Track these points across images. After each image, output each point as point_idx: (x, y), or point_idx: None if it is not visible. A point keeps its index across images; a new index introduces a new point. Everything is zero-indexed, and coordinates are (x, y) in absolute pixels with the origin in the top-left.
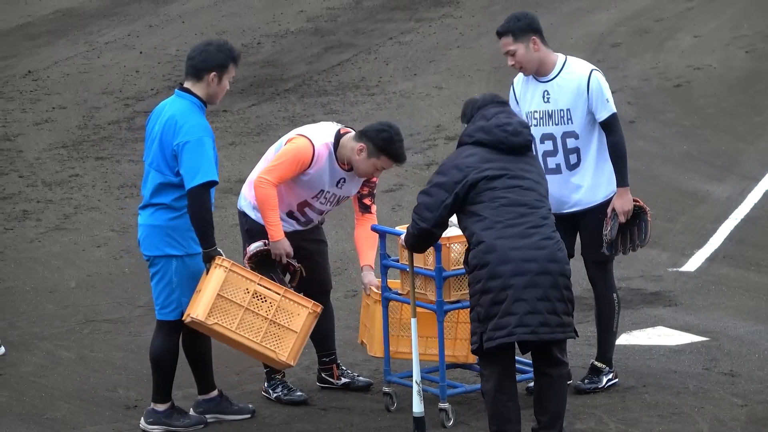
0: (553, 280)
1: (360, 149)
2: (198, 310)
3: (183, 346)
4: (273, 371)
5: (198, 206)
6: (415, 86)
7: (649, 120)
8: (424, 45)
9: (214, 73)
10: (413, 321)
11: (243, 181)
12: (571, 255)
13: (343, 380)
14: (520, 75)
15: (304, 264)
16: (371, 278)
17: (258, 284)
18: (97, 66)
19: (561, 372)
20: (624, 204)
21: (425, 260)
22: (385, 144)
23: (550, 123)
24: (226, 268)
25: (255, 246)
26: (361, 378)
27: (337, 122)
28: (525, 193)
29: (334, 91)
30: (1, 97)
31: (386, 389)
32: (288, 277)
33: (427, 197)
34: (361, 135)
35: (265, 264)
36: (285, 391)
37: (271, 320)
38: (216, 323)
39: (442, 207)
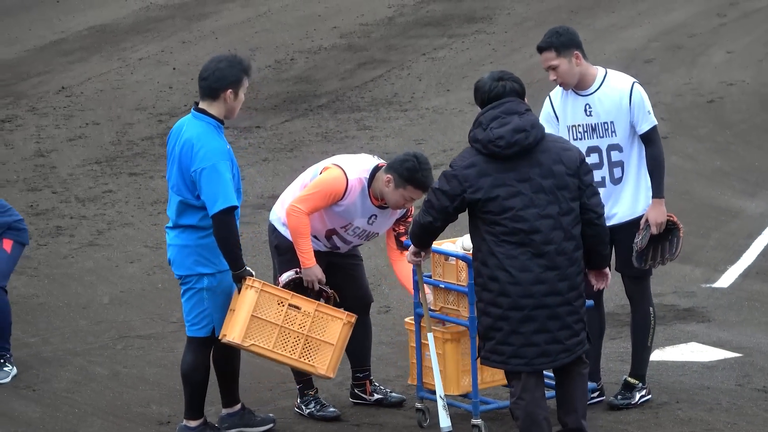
0: (551, 312)
1: (388, 181)
2: (234, 332)
3: (213, 361)
4: (306, 387)
5: (223, 231)
6: (448, 102)
7: (683, 136)
8: (457, 61)
9: (230, 90)
10: (430, 336)
11: (276, 197)
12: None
13: (376, 396)
14: (558, 89)
15: (339, 277)
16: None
17: (290, 301)
18: (131, 82)
19: (581, 371)
20: (658, 216)
21: (458, 276)
22: (410, 173)
23: (594, 136)
24: (258, 289)
25: (287, 275)
26: (394, 394)
27: (376, 156)
28: (521, 216)
29: (367, 107)
30: (35, 113)
31: (418, 405)
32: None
33: (434, 198)
34: (389, 167)
35: (298, 291)
36: (317, 407)
37: (306, 335)
38: (253, 344)
39: (444, 212)
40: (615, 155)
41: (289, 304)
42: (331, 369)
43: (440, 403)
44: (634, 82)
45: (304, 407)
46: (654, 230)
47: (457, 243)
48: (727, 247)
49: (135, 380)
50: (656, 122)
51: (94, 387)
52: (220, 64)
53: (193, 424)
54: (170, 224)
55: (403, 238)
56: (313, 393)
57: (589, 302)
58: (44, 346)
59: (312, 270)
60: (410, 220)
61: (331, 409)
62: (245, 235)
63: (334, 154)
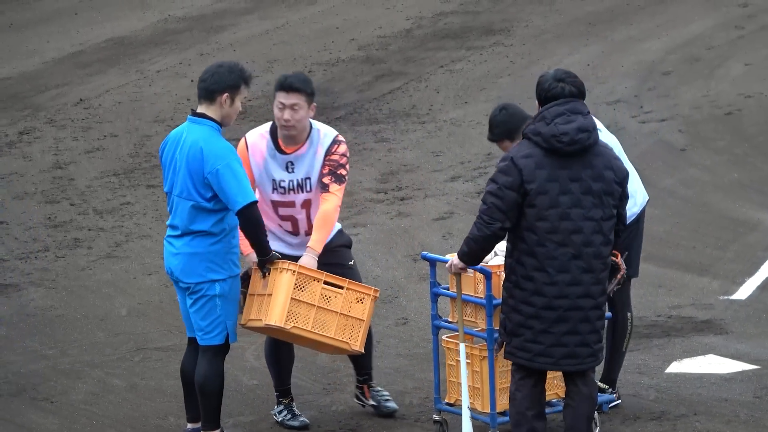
0: (584, 315)
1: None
2: (275, 316)
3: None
4: (282, 396)
5: (251, 224)
6: (466, 114)
7: (700, 148)
8: (475, 73)
9: (226, 94)
10: (462, 346)
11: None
12: None
13: (371, 402)
14: None
15: None
16: (306, 260)
17: (325, 280)
18: (149, 94)
19: (592, 390)
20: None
21: (475, 288)
22: (275, 83)
23: None
24: (294, 271)
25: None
26: (389, 404)
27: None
28: (567, 214)
29: (385, 119)
30: (53, 125)
31: (436, 417)
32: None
33: (497, 199)
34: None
35: (247, 282)
36: (289, 416)
37: (341, 313)
38: (294, 326)
39: (513, 207)
40: None
41: (325, 282)
42: (361, 344)
43: (466, 414)
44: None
45: (277, 414)
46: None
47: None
48: (745, 259)
49: (153, 392)
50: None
51: (111, 399)
52: (220, 68)
53: None
54: (177, 232)
55: (325, 179)
56: (287, 402)
57: (608, 314)
58: (62, 357)
59: (250, 257)
60: (334, 158)
61: (301, 419)
62: None
63: (352, 167)
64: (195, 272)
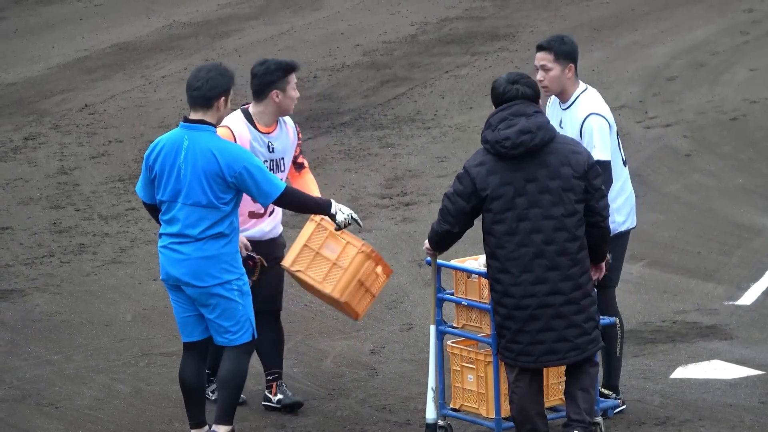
0: (555, 312)
1: (276, 95)
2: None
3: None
4: (274, 379)
5: (295, 203)
6: (471, 120)
7: (705, 153)
8: (480, 78)
9: (222, 98)
10: (432, 328)
11: (296, 213)
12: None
13: (279, 396)
14: (555, 98)
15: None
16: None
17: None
18: (154, 99)
19: (588, 369)
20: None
21: (480, 294)
22: (279, 72)
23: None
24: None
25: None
26: (294, 397)
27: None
28: (526, 215)
29: (390, 125)
30: (58, 131)
31: (441, 422)
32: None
33: (449, 204)
34: (257, 90)
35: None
36: (285, 396)
37: (333, 263)
38: (299, 270)
39: (462, 214)
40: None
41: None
42: (338, 291)
43: (430, 395)
44: (590, 114)
45: (272, 397)
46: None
47: (480, 260)
48: (750, 265)
49: (158, 398)
50: (603, 157)
51: (116, 404)
52: (210, 73)
53: (223, 429)
54: (185, 239)
55: (299, 160)
56: (277, 384)
57: (612, 319)
58: (67, 363)
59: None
60: (299, 143)
61: (296, 398)
62: None
63: (357, 172)
64: (210, 275)
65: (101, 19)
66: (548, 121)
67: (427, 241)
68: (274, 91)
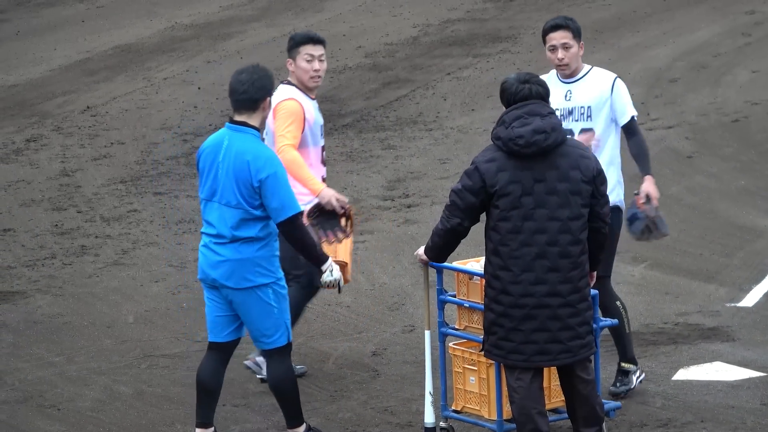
0: (552, 313)
1: (289, 65)
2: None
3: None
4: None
5: (296, 235)
6: (473, 121)
7: (707, 155)
8: (482, 80)
9: (268, 98)
10: (427, 333)
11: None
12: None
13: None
14: (551, 75)
15: None
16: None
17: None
18: (156, 101)
19: (586, 388)
20: (656, 190)
21: (482, 296)
22: (293, 40)
23: (570, 119)
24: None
25: (308, 207)
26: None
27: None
28: (531, 215)
29: (392, 127)
30: (60, 132)
31: (443, 424)
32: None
33: (458, 199)
34: (289, 56)
35: (324, 217)
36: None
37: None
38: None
39: (471, 209)
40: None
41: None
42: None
43: (428, 399)
44: (616, 77)
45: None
46: (655, 202)
47: (482, 262)
48: (752, 267)
49: (160, 399)
50: (636, 113)
51: (118, 406)
52: (254, 75)
53: (299, 430)
54: (222, 240)
55: None
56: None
57: (614, 321)
58: (69, 365)
59: (324, 192)
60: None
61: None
62: None
63: (359, 174)
64: (245, 278)
65: (103, 20)
66: (561, 123)
67: (422, 251)
68: (288, 59)
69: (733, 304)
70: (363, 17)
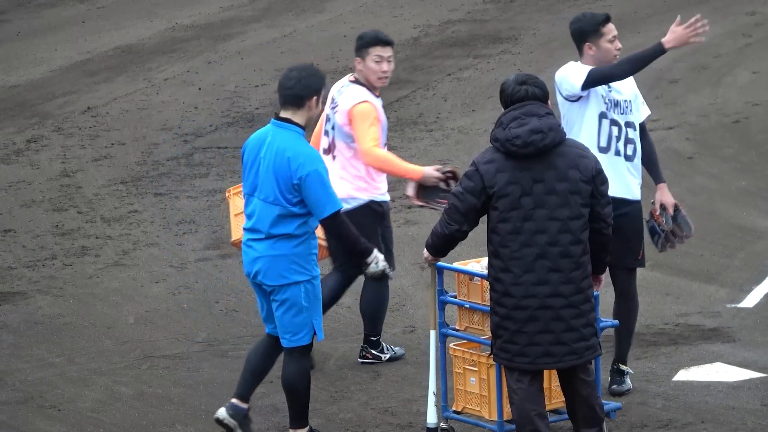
0: (555, 314)
1: (358, 63)
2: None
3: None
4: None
5: (339, 232)
6: (474, 122)
7: (708, 156)
8: (483, 81)
9: (315, 97)
10: (431, 333)
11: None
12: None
13: (386, 355)
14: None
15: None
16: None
17: None
18: (156, 102)
19: (587, 389)
20: (670, 197)
21: (483, 296)
22: (361, 41)
23: (617, 111)
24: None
25: (410, 188)
26: (397, 348)
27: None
28: (531, 215)
29: (393, 127)
30: (60, 133)
31: (444, 425)
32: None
33: (458, 202)
34: (357, 54)
35: (427, 191)
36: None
37: None
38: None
39: (472, 211)
40: (630, 132)
41: None
42: None
43: (432, 399)
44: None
45: (381, 355)
46: (670, 210)
47: (482, 263)
48: (753, 267)
49: (160, 400)
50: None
51: (119, 407)
52: (303, 73)
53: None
54: (259, 236)
55: None
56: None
57: (615, 321)
58: (69, 365)
59: (426, 174)
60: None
61: (397, 348)
62: None
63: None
64: (279, 274)
65: (104, 21)
66: (559, 123)
67: (426, 250)
68: (356, 57)
69: (733, 305)
70: (364, 18)
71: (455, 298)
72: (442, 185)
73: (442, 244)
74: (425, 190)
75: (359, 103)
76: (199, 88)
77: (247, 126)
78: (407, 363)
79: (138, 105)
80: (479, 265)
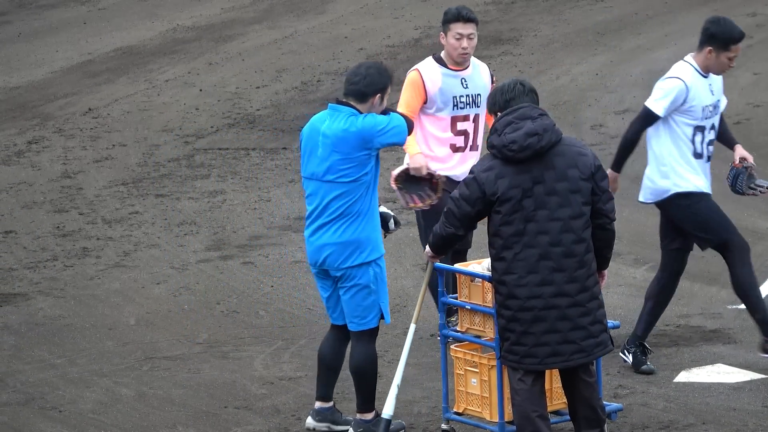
0: (561, 314)
1: (442, 37)
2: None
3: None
4: None
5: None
6: None
7: None
8: None
9: (378, 95)
10: (412, 326)
11: (303, 218)
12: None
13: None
14: (691, 71)
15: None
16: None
17: None
18: (157, 103)
19: (588, 390)
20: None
21: (484, 297)
22: (445, 18)
23: (712, 115)
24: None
25: (398, 169)
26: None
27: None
28: (533, 216)
29: None
30: (61, 134)
31: (444, 426)
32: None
33: (455, 207)
34: (442, 29)
35: (410, 182)
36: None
37: None
38: None
39: (467, 218)
40: (713, 135)
41: None
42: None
43: (394, 391)
44: None
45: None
46: (750, 160)
47: (483, 264)
48: (754, 269)
49: (161, 401)
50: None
51: (120, 408)
52: (370, 70)
53: (368, 416)
54: (323, 220)
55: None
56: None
57: (617, 323)
58: (70, 367)
59: (416, 156)
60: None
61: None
62: (271, 256)
63: None
64: (347, 258)
65: (105, 23)
66: (554, 124)
67: (428, 247)
68: (441, 32)
69: (734, 307)
70: (365, 19)
71: (456, 299)
72: (426, 188)
73: (441, 243)
74: (410, 181)
75: (409, 71)
76: (200, 90)
77: (248, 127)
78: (408, 364)
79: (139, 106)
80: (480, 266)
